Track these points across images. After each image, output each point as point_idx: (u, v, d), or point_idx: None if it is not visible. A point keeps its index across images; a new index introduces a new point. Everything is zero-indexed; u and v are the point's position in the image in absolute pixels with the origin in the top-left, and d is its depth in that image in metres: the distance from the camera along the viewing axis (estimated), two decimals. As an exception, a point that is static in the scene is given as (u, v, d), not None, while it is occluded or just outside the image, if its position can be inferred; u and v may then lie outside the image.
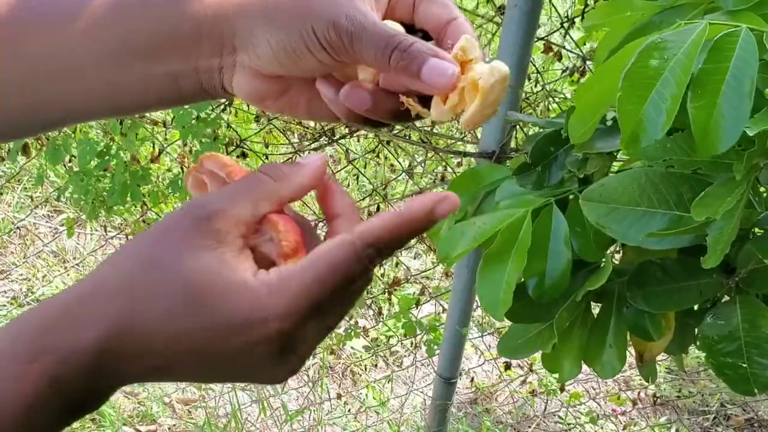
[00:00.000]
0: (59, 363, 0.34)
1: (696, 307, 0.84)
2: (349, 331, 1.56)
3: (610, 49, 0.71)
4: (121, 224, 2.15)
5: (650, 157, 0.65)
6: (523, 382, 1.76)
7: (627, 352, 0.89)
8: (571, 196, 0.88)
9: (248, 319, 0.35)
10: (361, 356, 2.04)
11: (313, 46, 0.41)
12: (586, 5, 0.94)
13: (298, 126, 1.28)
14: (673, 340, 0.84)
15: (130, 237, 1.70)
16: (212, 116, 1.10)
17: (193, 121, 1.13)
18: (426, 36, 0.44)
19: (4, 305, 2.53)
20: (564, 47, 1.10)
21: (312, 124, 1.35)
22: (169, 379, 0.38)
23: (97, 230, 2.77)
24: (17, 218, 2.85)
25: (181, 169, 1.31)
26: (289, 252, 0.38)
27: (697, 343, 0.75)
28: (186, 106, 1.10)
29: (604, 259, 0.85)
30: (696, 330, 0.77)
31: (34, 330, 0.35)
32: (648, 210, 0.75)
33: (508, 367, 1.61)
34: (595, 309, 0.92)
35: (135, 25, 0.43)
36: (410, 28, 0.45)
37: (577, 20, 1.01)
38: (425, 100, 0.43)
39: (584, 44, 1.13)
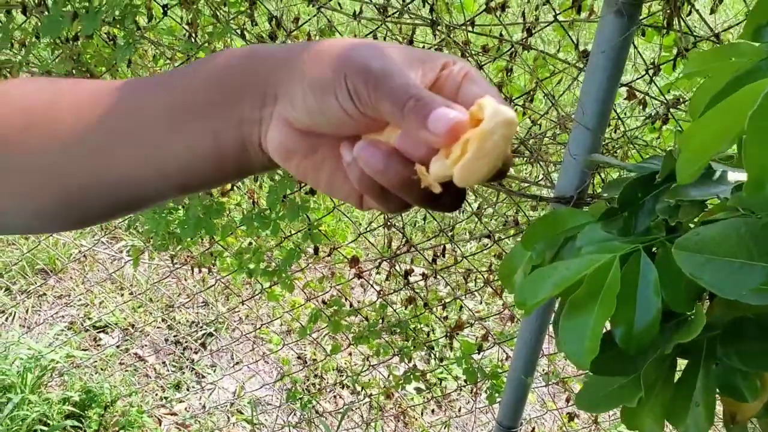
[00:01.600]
0: None
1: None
2: (408, 374, 1.54)
3: (713, 96, 0.69)
4: (188, 257, 2.18)
5: (760, 207, 0.62)
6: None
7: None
8: (658, 244, 0.86)
9: None
10: (412, 398, 2.01)
11: (341, 95, 0.40)
12: (680, 53, 0.92)
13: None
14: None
15: (196, 269, 1.72)
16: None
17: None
18: None
19: (63, 331, 2.58)
20: (648, 94, 1.08)
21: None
22: None
23: (154, 260, 2.81)
24: (77, 244, 2.91)
25: (253, 204, 1.33)
26: None
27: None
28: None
29: (693, 311, 0.81)
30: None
31: None
32: (746, 262, 0.73)
33: (572, 418, 1.56)
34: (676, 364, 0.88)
35: (190, 82, 0.44)
36: None
37: (662, 67, 1.00)
38: (447, 189, 0.40)
39: (668, 92, 1.11)
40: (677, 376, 0.87)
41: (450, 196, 0.41)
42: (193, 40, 1.12)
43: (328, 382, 2.31)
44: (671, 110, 1.04)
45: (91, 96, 0.45)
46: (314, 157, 0.44)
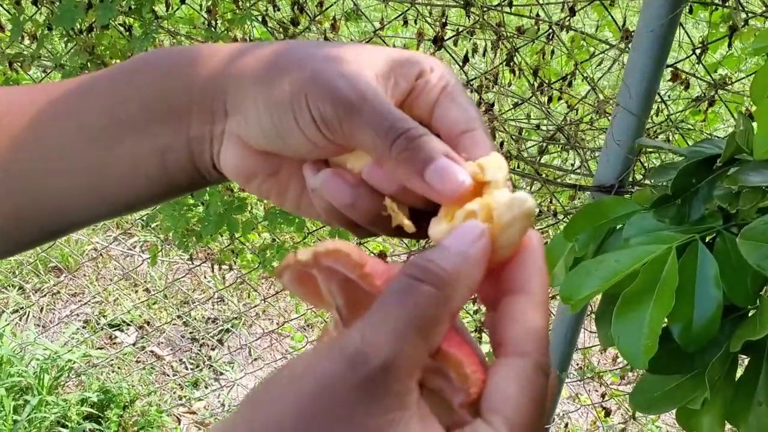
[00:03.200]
0: None
1: None
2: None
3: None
4: (207, 255, 2.13)
5: None
6: (622, 431, 1.66)
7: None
8: (716, 234, 0.81)
9: None
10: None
11: (302, 119, 0.34)
12: (735, 29, 0.87)
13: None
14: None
15: (215, 267, 1.68)
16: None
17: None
18: None
19: (78, 330, 2.55)
20: (694, 74, 1.03)
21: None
22: None
23: (169, 257, 2.78)
24: (91, 241, 2.89)
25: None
26: (476, 397, 0.28)
27: None
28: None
29: (757, 305, 0.77)
30: None
31: None
32: (821, 252, 0.68)
33: (607, 414, 1.52)
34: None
35: (124, 95, 0.38)
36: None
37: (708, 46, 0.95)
38: (417, 213, 0.36)
39: (715, 71, 1.07)
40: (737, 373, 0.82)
41: (422, 228, 0.36)
42: (213, 29, 1.07)
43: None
44: (718, 92, 0.99)
45: (32, 108, 0.40)
46: (277, 177, 0.39)
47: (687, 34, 0.93)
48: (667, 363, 0.79)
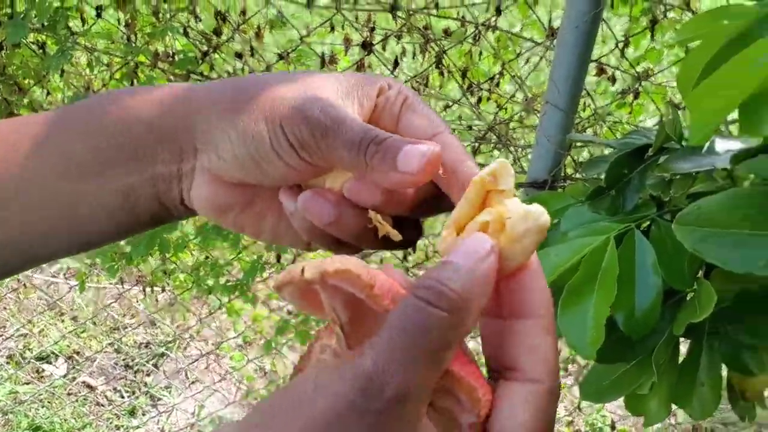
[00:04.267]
0: None
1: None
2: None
3: (708, 60, 0.67)
4: (139, 277, 2.06)
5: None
6: (570, 423, 1.68)
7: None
8: (650, 222, 0.83)
9: None
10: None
11: (279, 146, 0.36)
12: (656, 21, 0.90)
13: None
14: None
15: (147, 290, 1.62)
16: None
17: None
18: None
19: (2, 366, 2.43)
20: (618, 68, 1.06)
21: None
22: None
23: (97, 282, 2.68)
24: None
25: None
26: (484, 417, 0.29)
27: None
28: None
29: (694, 288, 0.79)
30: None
31: None
32: (754, 233, 0.70)
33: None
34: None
35: (79, 137, 0.38)
36: None
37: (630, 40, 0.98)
38: (401, 225, 0.38)
39: (638, 64, 1.10)
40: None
41: (408, 236, 0.39)
42: (133, 43, 1.03)
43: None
44: (642, 84, 1.02)
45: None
46: (252, 209, 0.41)
47: (610, 29, 0.96)
48: (614, 352, 0.80)
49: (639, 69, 1.03)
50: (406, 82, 1.09)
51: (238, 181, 0.38)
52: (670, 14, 0.93)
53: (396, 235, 0.37)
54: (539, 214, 0.31)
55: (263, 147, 0.36)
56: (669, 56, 1.09)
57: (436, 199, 0.39)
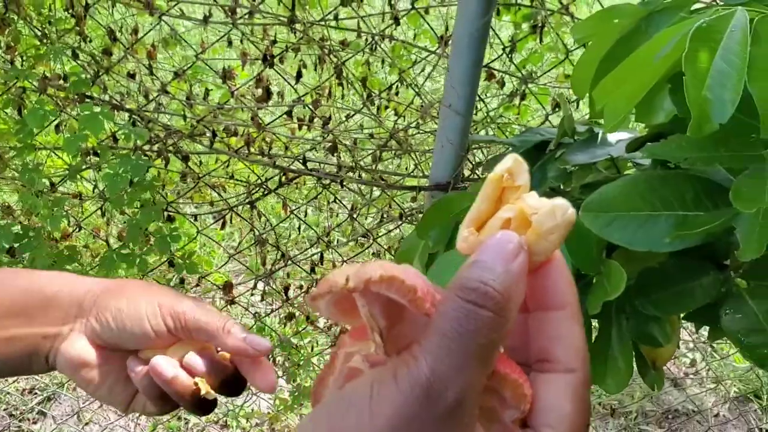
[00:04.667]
0: None
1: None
2: (296, 395, 1.47)
3: (602, 57, 0.72)
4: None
5: (674, 156, 0.65)
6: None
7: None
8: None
9: None
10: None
11: (153, 319, 0.51)
12: (543, 26, 0.96)
13: (230, 181, 1.22)
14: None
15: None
16: (148, 179, 1.01)
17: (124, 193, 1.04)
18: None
19: None
20: (506, 72, 1.12)
21: (248, 177, 1.29)
22: None
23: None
24: None
25: (107, 243, 1.20)
26: (527, 413, 0.29)
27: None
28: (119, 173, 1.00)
29: (602, 270, 0.84)
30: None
31: None
32: (651, 214, 0.76)
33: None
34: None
35: None
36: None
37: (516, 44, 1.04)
38: (230, 385, 0.54)
39: (523, 67, 1.16)
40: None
41: (210, 404, 0.53)
42: (19, 66, 0.98)
43: (202, 420, 2.18)
44: (528, 85, 1.08)
45: None
46: (104, 368, 0.53)
47: (496, 34, 1.01)
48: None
49: (524, 72, 1.09)
50: (306, 94, 1.10)
51: (104, 343, 0.52)
52: (551, 19, 0.99)
53: (211, 394, 0.51)
54: (565, 208, 0.31)
55: (140, 323, 0.51)
56: (549, 58, 1.16)
57: (236, 378, 0.54)
